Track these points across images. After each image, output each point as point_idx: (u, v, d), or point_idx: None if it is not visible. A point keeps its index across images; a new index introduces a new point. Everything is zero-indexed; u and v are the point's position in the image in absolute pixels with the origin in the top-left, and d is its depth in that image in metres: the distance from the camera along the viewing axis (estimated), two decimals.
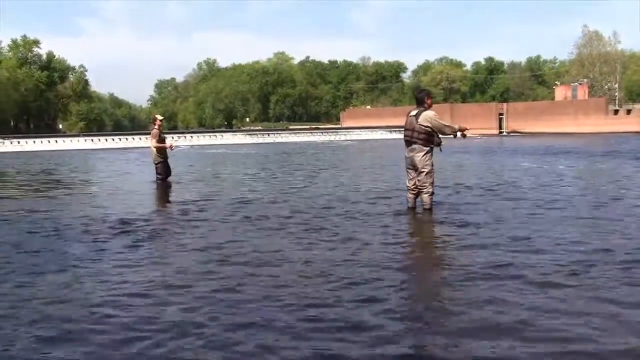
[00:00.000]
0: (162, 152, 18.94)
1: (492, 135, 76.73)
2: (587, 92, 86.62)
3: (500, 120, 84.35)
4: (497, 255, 8.08)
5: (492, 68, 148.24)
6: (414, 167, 11.73)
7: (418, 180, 11.68)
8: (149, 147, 19.87)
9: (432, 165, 11.68)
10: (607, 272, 7.08)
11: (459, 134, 11.97)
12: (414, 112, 11.75)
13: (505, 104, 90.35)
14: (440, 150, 12.19)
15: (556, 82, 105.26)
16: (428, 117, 11.50)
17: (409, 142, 11.79)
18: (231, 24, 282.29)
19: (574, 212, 11.80)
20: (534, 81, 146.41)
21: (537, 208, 12.34)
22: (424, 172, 11.54)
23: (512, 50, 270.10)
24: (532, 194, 14.84)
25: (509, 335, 5.18)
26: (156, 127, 18.99)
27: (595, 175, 20.97)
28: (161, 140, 18.93)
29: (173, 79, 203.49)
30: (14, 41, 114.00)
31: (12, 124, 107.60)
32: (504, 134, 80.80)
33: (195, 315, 5.88)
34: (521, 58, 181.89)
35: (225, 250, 8.78)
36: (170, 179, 19.40)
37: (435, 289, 6.86)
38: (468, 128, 12.58)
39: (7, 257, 8.63)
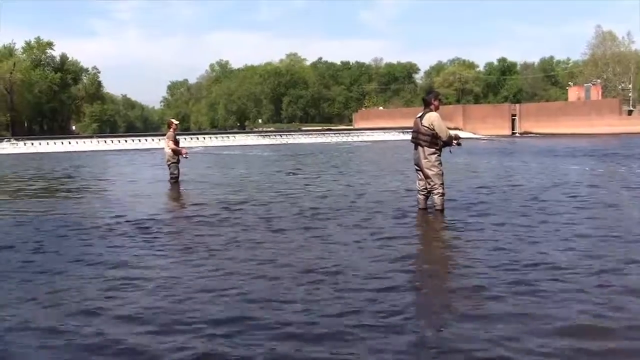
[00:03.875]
0: (175, 154, 19.19)
1: (505, 136, 76.47)
2: (600, 92, 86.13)
3: (513, 121, 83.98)
4: (509, 255, 8.11)
5: (505, 69, 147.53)
6: (420, 168, 11.77)
7: (428, 181, 11.70)
8: (162, 149, 20.18)
9: (441, 166, 11.70)
10: None
11: (454, 142, 11.94)
12: (420, 114, 11.82)
13: (518, 105, 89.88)
14: (450, 151, 12.23)
15: (569, 83, 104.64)
16: (431, 118, 11.54)
17: (415, 144, 11.84)
18: (243, 25, 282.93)
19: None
20: (547, 82, 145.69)
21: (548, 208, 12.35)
22: (431, 172, 11.55)
23: (525, 51, 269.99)
24: (546, 194, 14.85)
25: (527, 340, 5.22)
26: (171, 130, 19.34)
27: None
28: (176, 142, 19.24)
29: (186, 81, 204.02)
30: (28, 43, 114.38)
31: (26, 125, 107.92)
32: (517, 135, 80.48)
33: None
34: (534, 59, 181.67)
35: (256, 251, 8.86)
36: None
37: (441, 294, 6.89)
38: (461, 137, 12.63)
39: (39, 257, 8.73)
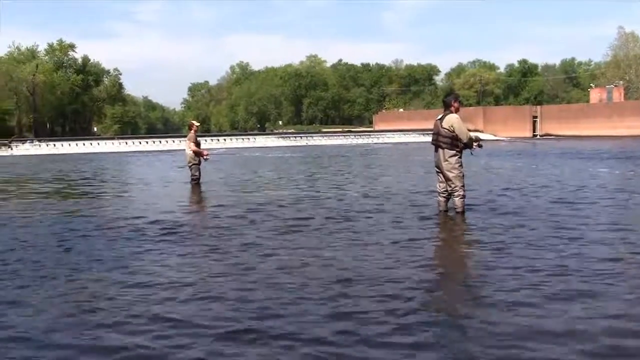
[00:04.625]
0: (197, 155, 19.25)
1: (526, 138, 76.13)
2: (622, 94, 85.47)
3: (534, 123, 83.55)
4: (530, 258, 8.09)
5: (526, 70, 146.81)
6: (440, 170, 11.76)
7: (449, 184, 11.69)
8: (183, 150, 20.31)
9: (461, 168, 11.68)
10: None
11: (474, 145, 11.91)
12: (440, 116, 11.81)
13: (539, 107, 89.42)
14: (471, 153, 12.20)
15: (591, 85, 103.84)
16: (451, 120, 11.52)
17: (435, 146, 11.83)
18: (264, 27, 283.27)
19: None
20: (568, 84, 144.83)
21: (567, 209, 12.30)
22: (452, 174, 11.54)
23: (546, 53, 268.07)
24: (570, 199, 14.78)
25: (545, 342, 5.21)
26: (192, 132, 19.40)
27: None
28: (197, 144, 19.30)
29: (206, 82, 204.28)
30: (51, 45, 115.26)
31: (48, 126, 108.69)
32: (538, 137, 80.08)
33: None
34: (555, 60, 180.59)
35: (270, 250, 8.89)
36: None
37: (460, 296, 6.88)
38: (482, 139, 12.62)
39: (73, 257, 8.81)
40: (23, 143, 64.63)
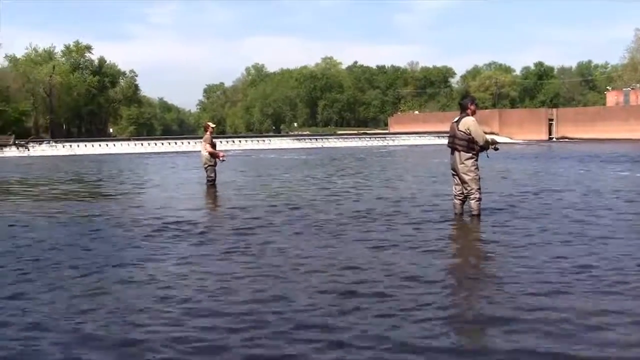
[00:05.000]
0: (212, 157, 19.26)
1: (541, 141, 75.89)
2: (639, 97, 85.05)
3: (550, 126, 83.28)
4: (546, 263, 8.06)
5: (542, 73, 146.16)
6: (456, 173, 11.73)
7: (465, 186, 11.65)
8: (199, 151, 20.37)
9: (477, 171, 11.64)
10: None
11: (490, 147, 11.87)
12: (456, 119, 11.78)
13: (555, 110, 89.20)
14: (487, 156, 12.15)
15: (607, 87, 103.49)
16: (467, 123, 11.49)
17: (451, 149, 11.80)
18: (279, 29, 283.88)
19: None
20: (584, 86, 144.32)
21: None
22: (468, 177, 11.50)
23: (562, 55, 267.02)
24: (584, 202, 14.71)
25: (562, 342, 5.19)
26: (208, 133, 19.41)
27: None
28: (213, 145, 19.31)
29: (222, 84, 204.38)
30: (67, 47, 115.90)
31: (64, 127, 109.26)
32: (554, 140, 79.81)
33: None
34: (572, 63, 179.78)
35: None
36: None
37: (474, 299, 6.85)
38: (498, 142, 12.59)
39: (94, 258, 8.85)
40: (40, 144, 65.00)
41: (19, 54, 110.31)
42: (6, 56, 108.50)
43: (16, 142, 63.41)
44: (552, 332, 5.42)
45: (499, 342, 5.25)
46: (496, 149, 12.15)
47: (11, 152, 59.53)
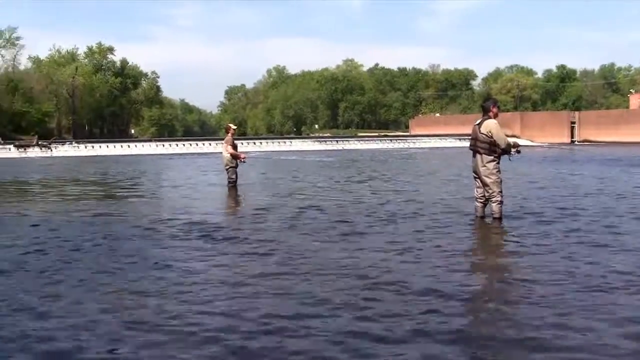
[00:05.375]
0: (234, 158, 19.30)
1: (563, 144, 75.47)
2: None
3: (572, 129, 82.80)
4: (566, 268, 8.03)
5: (564, 76, 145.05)
6: (478, 175, 11.70)
7: (486, 189, 11.61)
8: (220, 153, 20.42)
9: (499, 174, 11.59)
10: None
11: (513, 150, 11.83)
12: (478, 121, 11.74)
13: (577, 113, 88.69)
14: (510, 159, 12.12)
15: (631, 90, 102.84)
16: (489, 126, 11.45)
17: (473, 151, 11.77)
18: (300, 31, 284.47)
19: None
20: (607, 89, 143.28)
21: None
22: (489, 180, 11.46)
23: (585, 58, 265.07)
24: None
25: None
26: (230, 135, 19.44)
27: None
28: (234, 147, 19.33)
29: (243, 86, 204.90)
30: (90, 48, 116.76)
31: (86, 128, 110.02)
32: (576, 143, 79.35)
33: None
34: (594, 65, 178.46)
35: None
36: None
37: (498, 303, 6.83)
38: (520, 145, 12.55)
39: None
40: (62, 144, 65.57)
41: (43, 55, 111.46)
42: (30, 58, 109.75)
43: (39, 142, 63.97)
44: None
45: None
46: (518, 152, 12.10)
47: (34, 152, 60.05)
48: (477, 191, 11.93)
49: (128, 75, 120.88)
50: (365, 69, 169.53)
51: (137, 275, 7.82)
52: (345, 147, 68.73)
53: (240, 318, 6.05)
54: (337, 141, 74.39)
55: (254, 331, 5.64)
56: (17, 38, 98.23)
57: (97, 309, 6.39)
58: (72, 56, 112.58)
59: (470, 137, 11.91)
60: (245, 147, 54.25)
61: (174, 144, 67.86)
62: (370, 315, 6.05)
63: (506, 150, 11.60)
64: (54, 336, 5.60)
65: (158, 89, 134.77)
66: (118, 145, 65.39)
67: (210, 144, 63.26)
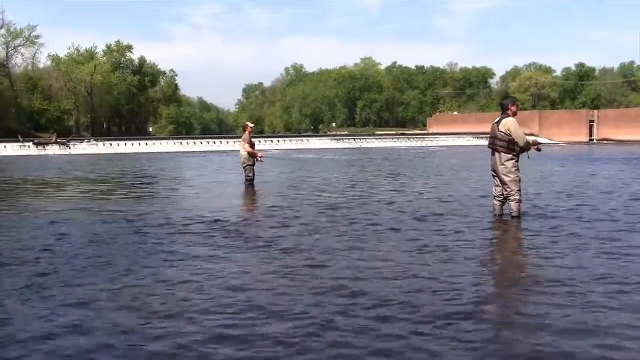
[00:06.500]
0: (251, 156, 19.29)
1: (582, 143, 75.09)
2: None
3: (591, 127, 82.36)
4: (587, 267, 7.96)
5: (583, 74, 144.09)
6: (497, 174, 11.65)
7: (505, 188, 11.56)
8: (238, 151, 20.47)
9: (518, 172, 11.54)
10: None
11: (533, 148, 11.77)
12: (497, 119, 11.69)
13: (596, 111, 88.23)
14: (529, 157, 12.06)
15: None
16: (508, 124, 11.40)
17: (492, 150, 11.72)
18: (318, 30, 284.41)
19: None
20: (627, 87, 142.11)
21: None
22: (508, 179, 11.41)
23: (604, 56, 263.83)
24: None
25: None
26: (247, 133, 19.45)
27: None
28: (252, 145, 19.32)
29: (261, 84, 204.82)
30: (109, 46, 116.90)
31: (105, 126, 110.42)
32: (595, 141, 78.92)
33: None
34: (614, 64, 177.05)
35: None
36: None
37: (511, 299, 6.78)
38: (540, 143, 12.49)
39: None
40: (81, 142, 65.92)
41: (62, 53, 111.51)
42: (49, 56, 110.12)
43: (58, 140, 64.32)
44: None
45: None
46: (539, 150, 12.06)
47: (53, 150, 60.41)
48: (495, 190, 11.90)
49: (146, 74, 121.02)
50: (383, 67, 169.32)
51: (147, 273, 7.83)
52: (362, 146, 68.71)
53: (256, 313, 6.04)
54: (354, 140, 74.38)
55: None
56: (37, 37, 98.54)
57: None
58: (90, 54, 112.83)
59: (489, 136, 11.87)
60: (262, 145, 54.35)
61: (191, 142, 68.07)
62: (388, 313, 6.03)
63: (525, 149, 11.54)
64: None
65: (176, 87, 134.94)
66: (136, 143, 65.63)
67: (228, 142, 63.42)
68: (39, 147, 60.89)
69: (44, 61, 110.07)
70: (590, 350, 5.02)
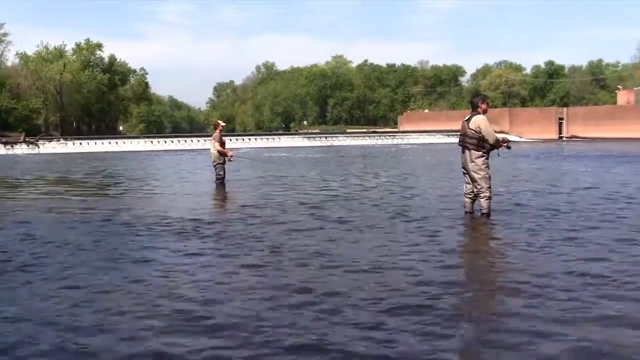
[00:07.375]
0: (222, 155, 19.27)
1: (552, 140, 75.73)
2: None
3: (560, 125, 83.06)
4: (557, 262, 8.02)
5: (552, 72, 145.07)
6: (467, 171, 11.71)
7: (475, 185, 11.63)
8: (208, 149, 20.43)
9: (488, 170, 11.61)
10: None
11: (503, 145, 11.85)
12: (467, 117, 11.76)
13: (565, 109, 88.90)
14: (498, 155, 12.14)
15: (618, 87, 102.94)
16: (478, 122, 11.46)
17: (462, 147, 11.78)
18: (289, 28, 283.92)
19: None
20: (595, 85, 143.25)
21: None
22: (478, 176, 11.48)
23: (573, 54, 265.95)
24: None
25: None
26: (218, 131, 19.45)
27: None
28: (222, 144, 19.32)
29: (232, 82, 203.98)
30: (78, 44, 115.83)
31: (74, 125, 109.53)
32: (564, 139, 79.61)
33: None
34: (582, 62, 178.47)
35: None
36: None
37: (484, 298, 6.82)
38: (510, 140, 12.59)
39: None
40: (50, 141, 65.21)
41: (30, 51, 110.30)
42: (17, 54, 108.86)
43: (26, 139, 63.63)
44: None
45: None
46: (508, 147, 12.15)
47: (21, 149, 59.74)
48: (466, 187, 11.97)
49: (116, 72, 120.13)
50: (354, 65, 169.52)
51: (116, 274, 7.78)
52: (334, 144, 68.71)
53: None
54: (325, 137, 74.35)
55: None
56: (5, 34, 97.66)
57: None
58: (60, 52, 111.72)
59: (459, 133, 11.93)
60: (233, 143, 54.23)
61: (162, 140, 67.59)
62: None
63: (495, 146, 11.61)
64: None
65: (146, 85, 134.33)
66: (106, 141, 65.00)
67: (198, 141, 63.09)
68: (7, 147, 60.14)
69: (11, 59, 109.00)
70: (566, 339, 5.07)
